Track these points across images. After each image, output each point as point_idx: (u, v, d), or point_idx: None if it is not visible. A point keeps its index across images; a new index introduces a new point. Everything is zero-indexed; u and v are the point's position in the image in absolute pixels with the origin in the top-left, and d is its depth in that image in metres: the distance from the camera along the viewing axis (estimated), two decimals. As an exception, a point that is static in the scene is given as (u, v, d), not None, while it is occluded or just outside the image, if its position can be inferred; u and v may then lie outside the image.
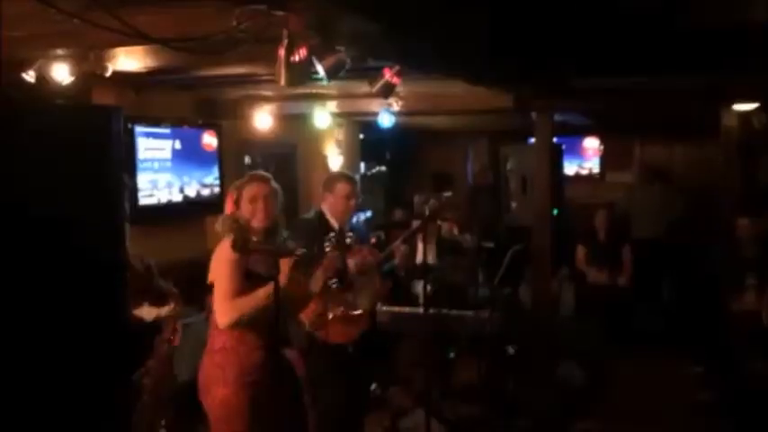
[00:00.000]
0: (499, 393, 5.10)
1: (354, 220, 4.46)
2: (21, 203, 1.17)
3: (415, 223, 4.81)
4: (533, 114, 5.39)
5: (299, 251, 2.65)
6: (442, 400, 5.23)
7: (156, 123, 5.45)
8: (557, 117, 5.79)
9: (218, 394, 2.93)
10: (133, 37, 2.29)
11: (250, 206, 3.02)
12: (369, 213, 8.43)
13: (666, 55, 4.18)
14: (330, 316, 3.66)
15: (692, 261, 7.02)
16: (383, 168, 9.95)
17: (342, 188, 3.88)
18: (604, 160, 9.94)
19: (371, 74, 3.68)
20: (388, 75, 3.47)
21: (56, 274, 1.25)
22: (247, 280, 2.88)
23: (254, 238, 2.81)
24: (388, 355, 5.45)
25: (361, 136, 8.92)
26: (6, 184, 1.14)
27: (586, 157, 10.01)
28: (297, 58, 2.48)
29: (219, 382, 2.93)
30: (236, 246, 2.51)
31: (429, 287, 5.15)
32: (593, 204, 7.44)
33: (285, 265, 2.80)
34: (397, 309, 5.01)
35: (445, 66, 3.51)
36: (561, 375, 5.12)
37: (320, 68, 2.85)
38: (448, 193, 4.49)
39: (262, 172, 3.38)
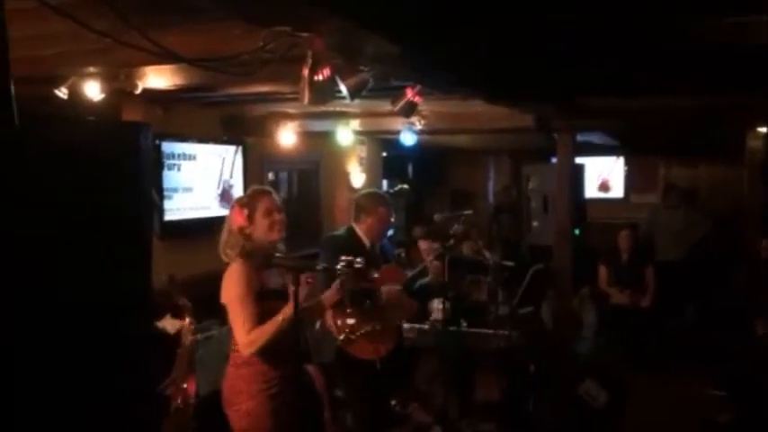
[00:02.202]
0: (519, 412, 5.08)
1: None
2: (52, 215, 1.22)
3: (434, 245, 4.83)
4: (555, 134, 5.43)
5: (320, 266, 2.69)
6: (462, 418, 5.23)
7: (183, 139, 5.56)
8: (580, 137, 5.82)
9: (242, 406, 2.96)
10: (163, 56, 2.37)
11: (265, 220, 3.00)
12: (391, 231, 8.47)
13: (691, 75, 4.18)
14: (360, 332, 3.69)
15: (716, 283, 6.94)
16: (405, 186, 10.00)
17: (383, 212, 3.94)
18: (628, 181, 9.90)
19: (394, 93, 3.73)
20: (410, 94, 3.52)
21: (83, 285, 1.29)
22: (263, 298, 2.90)
23: (277, 254, 2.85)
24: (409, 371, 5.46)
25: (384, 154, 8.98)
26: (38, 196, 1.19)
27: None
28: (320, 77, 2.54)
29: (244, 394, 2.95)
30: (256, 261, 2.56)
31: (447, 305, 5.19)
32: (616, 225, 7.41)
33: (303, 278, 2.83)
34: (417, 325, 5.04)
35: (465, 85, 3.56)
36: (582, 395, 5.09)
37: (343, 88, 2.92)
38: (468, 211, 4.50)
39: (263, 186, 3.39)
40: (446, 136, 7.60)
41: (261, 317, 2.86)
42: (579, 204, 5.77)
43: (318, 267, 2.63)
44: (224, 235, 3.05)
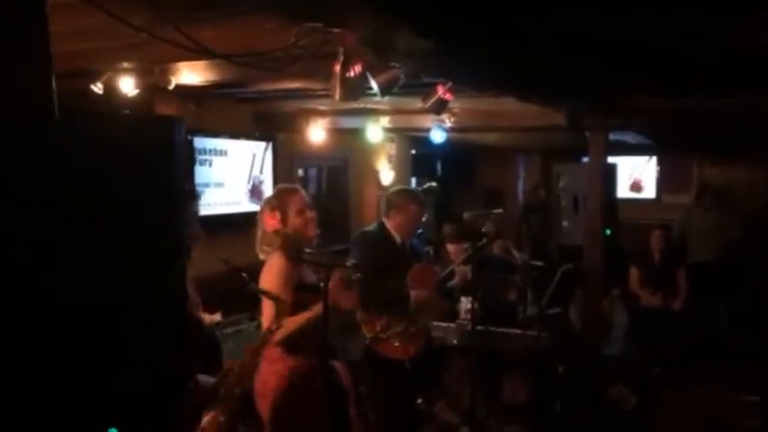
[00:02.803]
0: (546, 413, 5.03)
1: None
2: (85, 211, 1.22)
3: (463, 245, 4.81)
4: (587, 133, 5.36)
5: (350, 262, 2.69)
6: (489, 418, 5.20)
7: (215, 135, 5.61)
8: (612, 136, 5.74)
9: (273, 400, 2.98)
10: (197, 51, 2.39)
11: (299, 219, 3.03)
12: (420, 229, 8.45)
13: (725, 73, 4.10)
14: (390, 332, 3.69)
15: (750, 286, 6.80)
16: (434, 184, 9.97)
17: (415, 210, 3.92)
18: (661, 181, 9.75)
19: (425, 90, 3.72)
20: (441, 91, 3.51)
21: (117, 281, 1.30)
22: (299, 290, 2.92)
23: (307, 249, 2.86)
24: (437, 371, 5.44)
25: (413, 151, 8.96)
26: (71, 191, 1.19)
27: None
28: (351, 73, 2.54)
29: (274, 388, 2.98)
30: (289, 255, 2.57)
31: (476, 304, 5.16)
32: (647, 226, 7.29)
33: (335, 275, 2.84)
34: (445, 324, 5.02)
35: (497, 82, 3.53)
36: (611, 397, 5.02)
37: (374, 84, 2.91)
38: (498, 210, 4.47)
39: (289, 184, 3.40)
40: (476, 134, 7.56)
41: (294, 308, 2.88)
42: (610, 204, 5.69)
43: (348, 264, 2.63)
44: (258, 233, 3.08)
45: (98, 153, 1.26)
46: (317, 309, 2.82)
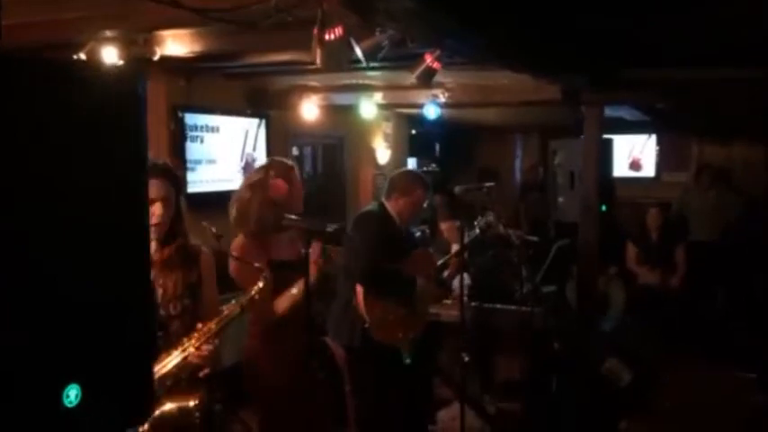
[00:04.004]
0: (542, 390, 5.01)
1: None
2: (28, 169, 1.15)
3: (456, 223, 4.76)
4: (582, 108, 5.29)
5: (331, 227, 2.63)
6: (483, 395, 5.18)
7: (206, 111, 5.55)
8: (609, 112, 5.66)
9: (262, 375, 2.97)
10: (168, 5, 2.32)
11: (300, 192, 3.06)
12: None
13: (727, 44, 4.01)
14: (392, 318, 3.64)
15: (749, 265, 6.75)
16: (435, 167, 9.91)
17: (420, 195, 3.81)
18: (661, 160, 9.66)
19: (415, 62, 3.65)
20: (429, 59, 3.43)
21: (72, 247, 1.23)
22: (274, 269, 2.83)
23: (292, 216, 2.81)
24: (431, 348, 5.41)
25: (413, 132, 8.89)
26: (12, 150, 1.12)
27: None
28: (332, 36, 2.47)
29: (264, 367, 2.96)
30: (269, 224, 2.54)
31: (469, 281, 5.12)
32: (646, 205, 7.24)
33: (315, 248, 2.79)
34: (448, 301, 4.98)
35: (488, 51, 3.45)
36: (606, 373, 4.99)
37: (358, 50, 2.85)
38: (490, 183, 4.40)
39: (284, 158, 3.33)
40: (473, 112, 7.49)
41: (274, 288, 2.83)
42: (607, 180, 5.62)
43: (329, 229, 2.57)
44: (253, 206, 2.97)
45: (36, 105, 1.16)
46: (301, 285, 2.78)
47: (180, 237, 2.42)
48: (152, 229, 2.24)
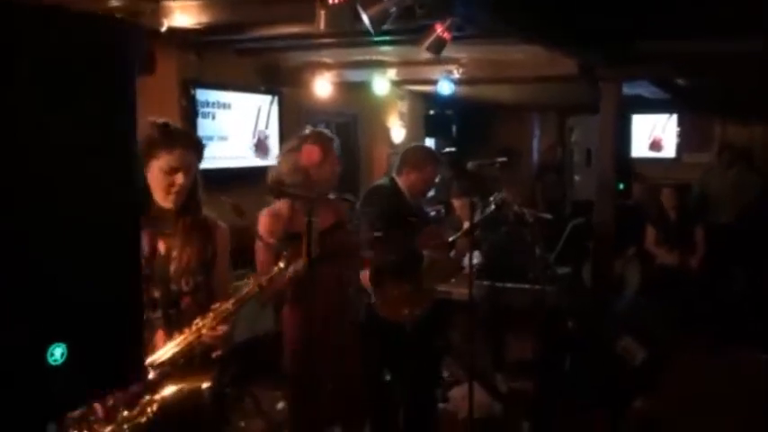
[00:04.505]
0: (555, 369, 4.95)
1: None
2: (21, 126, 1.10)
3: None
4: (600, 83, 5.17)
5: (332, 196, 2.58)
6: (495, 373, 5.14)
7: (218, 87, 5.51)
8: (628, 90, 5.53)
9: (286, 347, 2.99)
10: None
11: (336, 168, 3.05)
12: (432, 192, 8.32)
13: (752, 14, 3.86)
14: (398, 294, 3.59)
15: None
16: (453, 150, 9.79)
17: (431, 171, 3.79)
18: (682, 140, 9.48)
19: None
20: (440, 29, 3.35)
21: (59, 202, 1.19)
22: (291, 241, 2.80)
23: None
24: (442, 326, 5.37)
25: (432, 112, 8.79)
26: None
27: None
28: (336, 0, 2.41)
29: (287, 335, 2.99)
30: (271, 190, 2.50)
31: (482, 258, 5.06)
32: (667, 186, 7.11)
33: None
34: (453, 280, 4.93)
35: (499, 19, 3.36)
36: (620, 352, 4.92)
37: (365, 17, 2.79)
38: (503, 158, 4.32)
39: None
40: (489, 90, 7.39)
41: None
42: (625, 159, 5.52)
43: (330, 196, 2.53)
44: (282, 170, 2.97)
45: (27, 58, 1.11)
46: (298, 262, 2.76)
47: (196, 209, 2.35)
48: (170, 198, 2.21)
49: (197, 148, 2.35)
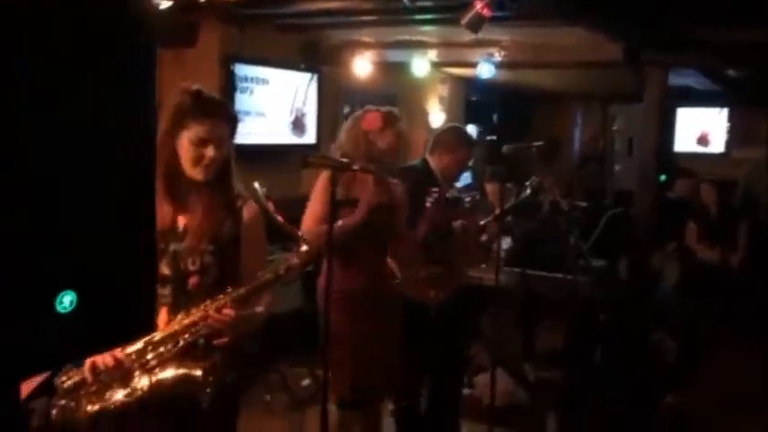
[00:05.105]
0: (585, 361, 4.87)
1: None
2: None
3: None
4: (645, 69, 5.02)
5: (356, 167, 2.55)
6: (525, 362, 5.07)
7: (257, 63, 5.52)
8: (677, 80, 5.37)
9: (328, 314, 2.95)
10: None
11: (395, 139, 3.05)
12: (469, 179, 8.23)
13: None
14: (425, 274, 3.55)
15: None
16: (495, 138, 9.69)
17: (465, 154, 3.75)
18: (731, 135, 9.19)
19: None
20: (479, 5, 3.29)
21: (75, 146, 1.17)
22: (344, 207, 2.85)
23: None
24: (472, 313, 5.32)
25: (474, 98, 8.70)
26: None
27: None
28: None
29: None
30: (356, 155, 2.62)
31: (512, 245, 4.99)
32: (714, 182, 6.90)
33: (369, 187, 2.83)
34: (482, 265, 4.87)
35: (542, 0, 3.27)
36: (652, 346, 4.81)
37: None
38: (539, 143, 4.23)
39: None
40: (531, 77, 7.27)
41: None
42: (668, 150, 5.37)
43: (355, 167, 2.50)
44: (342, 138, 3.03)
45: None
46: (348, 219, 2.81)
47: (227, 185, 2.20)
48: (199, 170, 2.10)
49: (230, 120, 2.19)
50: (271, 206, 2.26)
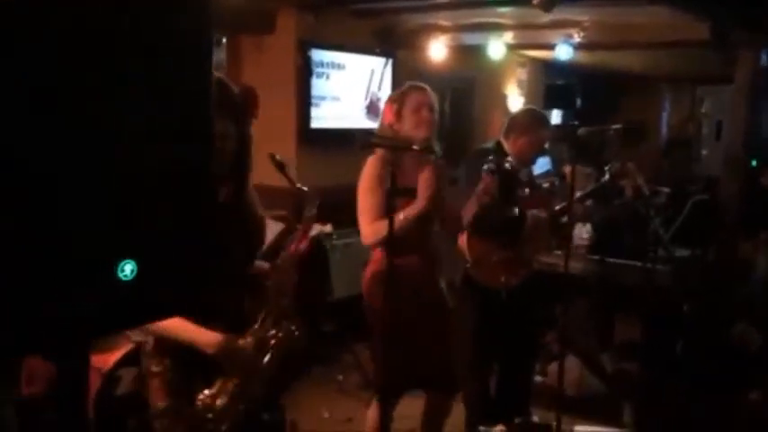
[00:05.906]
0: (666, 353, 4.70)
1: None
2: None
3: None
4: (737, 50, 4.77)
5: (416, 146, 2.54)
6: (602, 352, 4.95)
7: (334, 48, 5.59)
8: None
9: (375, 303, 2.95)
10: None
11: (413, 116, 2.94)
12: (549, 166, 8.04)
13: None
14: (496, 259, 3.52)
15: None
16: (577, 124, 9.39)
17: (541, 135, 3.67)
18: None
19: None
20: (552, -16, 3.21)
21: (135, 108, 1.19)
22: (400, 196, 2.76)
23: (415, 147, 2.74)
24: (547, 301, 5.23)
25: (556, 82, 8.48)
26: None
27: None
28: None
29: (377, 294, 2.93)
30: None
31: (591, 232, 4.85)
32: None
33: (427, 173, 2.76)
34: (558, 252, 4.77)
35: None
36: (735, 337, 4.59)
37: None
38: (617, 126, 4.09)
39: (419, 83, 3.17)
40: (616, 59, 7.03)
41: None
42: (760, 135, 5.07)
43: (415, 147, 2.48)
44: (377, 128, 3.06)
45: None
46: (410, 210, 2.77)
47: (238, 190, 2.07)
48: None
49: (235, 116, 1.99)
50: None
